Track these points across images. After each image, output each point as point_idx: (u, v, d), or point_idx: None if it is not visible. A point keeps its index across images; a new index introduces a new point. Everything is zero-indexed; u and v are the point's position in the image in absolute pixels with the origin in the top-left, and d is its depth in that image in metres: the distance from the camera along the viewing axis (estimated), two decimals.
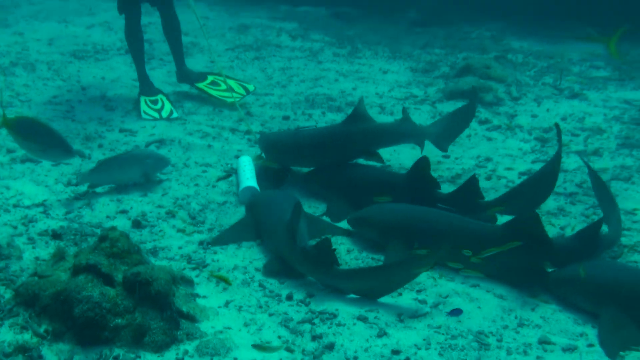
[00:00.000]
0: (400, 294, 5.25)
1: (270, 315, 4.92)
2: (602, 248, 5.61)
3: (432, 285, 5.40)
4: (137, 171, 6.80)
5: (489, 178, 7.31)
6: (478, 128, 8.66)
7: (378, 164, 7.00)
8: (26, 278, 4.80)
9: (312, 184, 6.97)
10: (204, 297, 5.10)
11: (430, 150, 7.32)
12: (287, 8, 15.71)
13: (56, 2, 15.24)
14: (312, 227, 6.05)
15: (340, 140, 6.85)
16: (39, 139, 6.10)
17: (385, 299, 5.16)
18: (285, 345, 4.56)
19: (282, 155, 7.11)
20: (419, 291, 5.31)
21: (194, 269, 5.51)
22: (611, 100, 9.59)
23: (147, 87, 9.25)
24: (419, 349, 4.60)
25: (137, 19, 9.07)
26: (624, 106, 9.33)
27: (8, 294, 4.74)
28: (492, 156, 7.85)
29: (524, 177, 7.09)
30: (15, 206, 6.32)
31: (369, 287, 5.18)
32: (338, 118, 8.84)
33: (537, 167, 7.03)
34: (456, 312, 4.96)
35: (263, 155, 7.32)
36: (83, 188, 6.68)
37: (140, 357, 4.32)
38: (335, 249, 5.23)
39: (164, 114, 8.79)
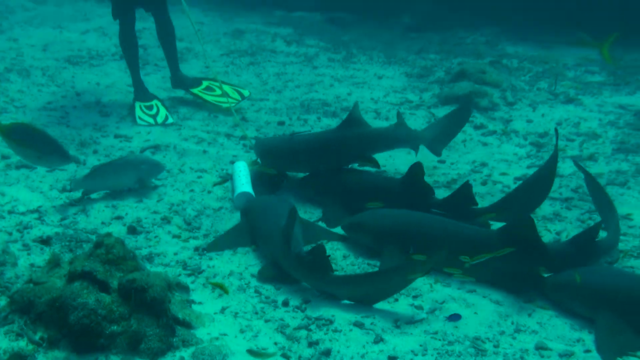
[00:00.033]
0: (396, 300, 5.24)
1: (267, 321, 4.91)
2: (600, 253, 5.60)
3: (428, 290, 5.39)
4: (132, 177, 6.79)
5: (484, 183, 7.31)
6: (473, 133, 8.66)
7: (374, 169, 6.98)
8: (21, 285, 4.77)
9: (308, 190, 6.96)
10: (200, 303, 5.08)
11: (426, 155, 7.32)
12: (282, 13, 15.69)
13: (51, 8, 15.21)
14: (308, 232, 6.04)
15: (336, 145, 6.85)
16: (35, 145, 6.09)
17: (381, 305, 5.15)
18: (281, 352, 4.55)
19: (278, 161, 7.10)
20: (415, 297, 5.31)
21: (189, 275, 5.50)
22: (606, 105, 9.60)
23: (141, 93, 9.23)
24: (416, 355, 4.59)
25: (131, 25, 9.06)
26: (619, 111, 9.34)
27: (3, 301, 4.72)
28: (488, 161, 7.85)
29: (520, 182, 7.08)
30: (10, 212, 6.31)
31: (363, 293, 5.17)
32: (333, 123, 8.84)
33: (533, 172, 7.02)
34: (455, 317, 4.95)
35: (259, 160, 7.31)
36: (78, 194, 6.66)
37: None
38: (329, 255, 5.22)
39: (159, 119, 8.78)
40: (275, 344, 4.64)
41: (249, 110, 9.44)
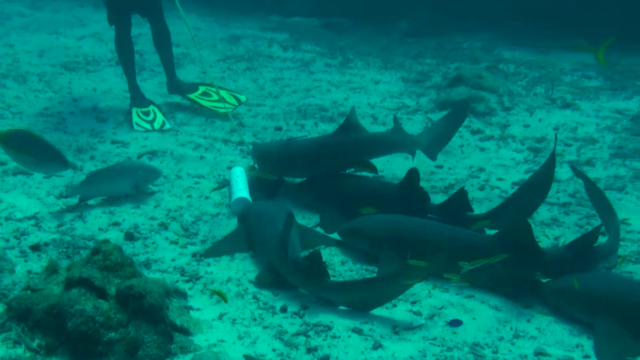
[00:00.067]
0: (395, 306, 5.23)
1: (265, 327, 4.89)
2: (598, 259, 5.59)
3: (426, 296, 5.39)
4: (128, 183, 6.77)
5: (482, 188, 7.31)
6: (471, 138, 8.66)
7: (371, 175, 6.98)
8: (19, 292, 4.75)
9: (305, 195, 6.95)
10: (198, 309, 5.07)
11: (424, 161, 7.33)
12: (278, 19, 15.70)
13: (47, 14, 15.20)
14: (305, 238, 6.03)
15: (333, 151, 6.85)
16: (33, 151, 6.07)
17: (380, 311, 5.14)
18: (279, 358, 4.54)
19: (275, 166, 7.08)
20: (413, 302, 5.30)
21: (187, 281, 5.48)
22: (603, 110, 9.61)
23: (138, 99, 9.23)
24: None
25: (127, 30, 9.05)
26: (616, 116, 9.35)
27: (0, 308, 4.69)
28: (485, 166, 7.85)
29: (517, 187, 7.08)
30: (7, 219, 6.29)
31: (360, 300, 5.16)
32: (330, 128, 8.83)
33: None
34: (456, 322, 4.94)
35: (256, 166, 7.31)
36: (75, 200, 6.64)
37: None
38: (325, 262, 5.21)
39: (157, 125, 8.76)
40: (274, 350, 4.63)
41: (246, 115, 9.43)
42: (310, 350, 4.62)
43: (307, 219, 6.63)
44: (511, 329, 4.99)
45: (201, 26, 14.79)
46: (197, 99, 9.42)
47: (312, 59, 12.61)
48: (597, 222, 6.33)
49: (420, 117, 9.45)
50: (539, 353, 4.70)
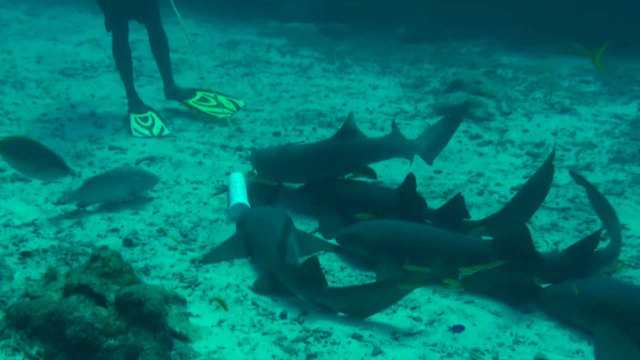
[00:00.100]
0: (394, 312, 5.22)
1: (264, 334, 4.87)
2: (598, 264, 5.58)
3: (426, 302, 5.38)
4: (125, 189, 6.76)
5: (480, 193, 7.30)
6: (469, 143, 8.66)
7: (370, 180, 6.97)
8: (17, 299, 4.73)
9: (303, 200, 6.94)
10: (197, 316, 5.05)
11: (423, 166, 7.33)
12: (276, 24, 15.72)
13: (45, 20, 15.21)
14: (304, 244, 6.02)
15: (331, 156, 6.84)
16: (32, 158, 6.05)
17: (379, 317, 5.13)
18: None
19: (274, 171, 7.07)
20: (413, 308, 5.29)
21: (186, 287, 5.46)
22: (602, 114, 9.62)
23: (136, 105, 9.21)
24: None
25: (124, 36, 9.04)
26: (615, 121, 9.36)
27: None
28: (484, 171, 7.85)
29: (516, 192, 7.07)
30: (5, 226, 6.27)
31: (358, 306, 5.14)
32: (329, 134, 8.82)
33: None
34: (458, 328, 4.92)
35: (255, 171, 7.30)
36: (73, 207, 6.63)
37: None
38: (323, 268, 5.20)
39: (155, 131, 8.75)
40: (273, 356, 4.61)
41: (244, 121, 9.43)
42: (310, 357, 4.61)
43: (305, 225, 6.62)
44: (511, 334, 4.98)
45: (199, 32, 14.80)
46: (195, 105, 9.42)
47: (310, 64, 12.62)
48: (596, 227, 6.32)
49: (418, 123, 9.45)
50: (539, 359, 4.68)
